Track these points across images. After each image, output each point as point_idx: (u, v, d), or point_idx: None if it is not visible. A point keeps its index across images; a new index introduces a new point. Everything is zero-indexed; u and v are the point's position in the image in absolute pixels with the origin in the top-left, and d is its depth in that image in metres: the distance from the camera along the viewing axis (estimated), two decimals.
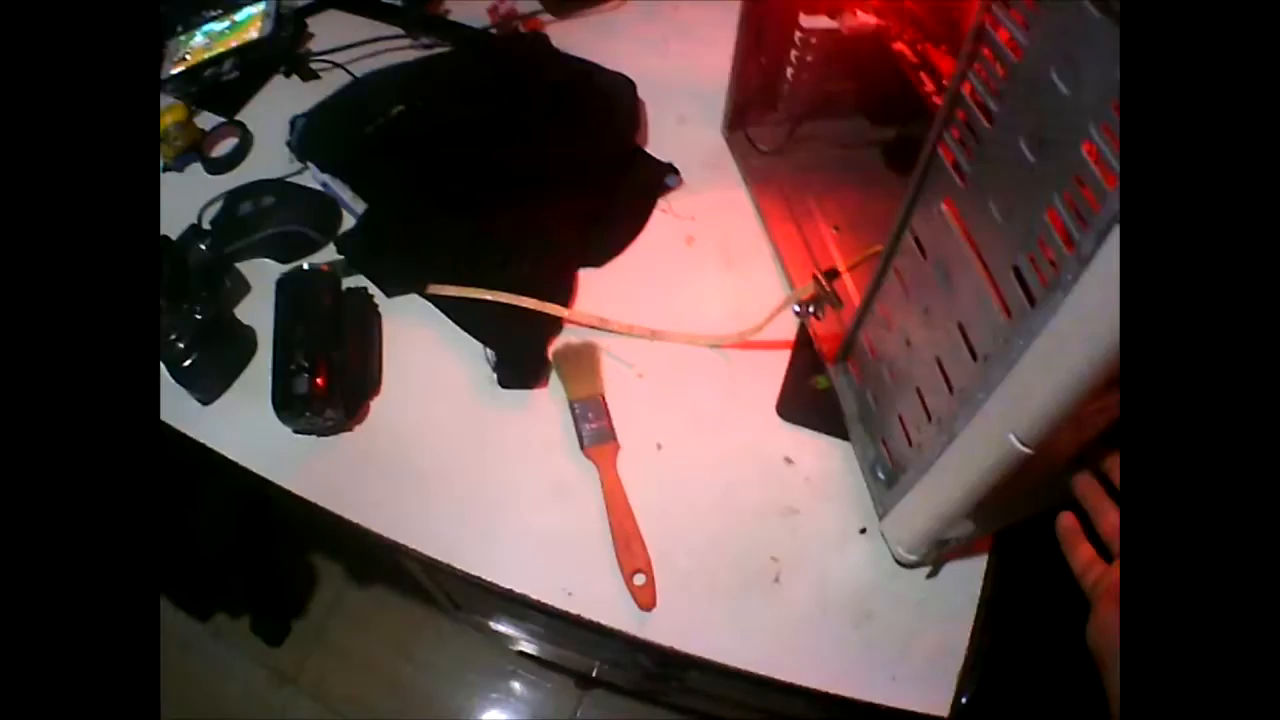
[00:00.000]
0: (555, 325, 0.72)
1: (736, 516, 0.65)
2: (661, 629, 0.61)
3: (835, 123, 0.85)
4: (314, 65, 0.87)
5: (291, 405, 0.64)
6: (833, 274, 0.63)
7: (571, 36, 0.91)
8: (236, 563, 1.41)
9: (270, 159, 0.81)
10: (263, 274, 0.75)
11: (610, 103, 0.82)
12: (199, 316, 0.65)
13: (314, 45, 0.91)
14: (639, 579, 0.62)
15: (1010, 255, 0.46)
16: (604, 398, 0.69)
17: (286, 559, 1.49)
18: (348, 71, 0.86)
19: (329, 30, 0.92)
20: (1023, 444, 0.46)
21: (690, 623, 0.61)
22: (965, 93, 0.49)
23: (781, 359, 0.72)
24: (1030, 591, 0.66)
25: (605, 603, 0.61)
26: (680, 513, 0.65)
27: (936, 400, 0.56)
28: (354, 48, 0.88)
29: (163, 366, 0.66)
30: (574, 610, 0.61)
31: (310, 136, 0.79)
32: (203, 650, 1.39)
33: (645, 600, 0.61)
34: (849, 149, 0.84)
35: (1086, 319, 0.40)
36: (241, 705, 1.37)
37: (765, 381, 0.71)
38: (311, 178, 0.80)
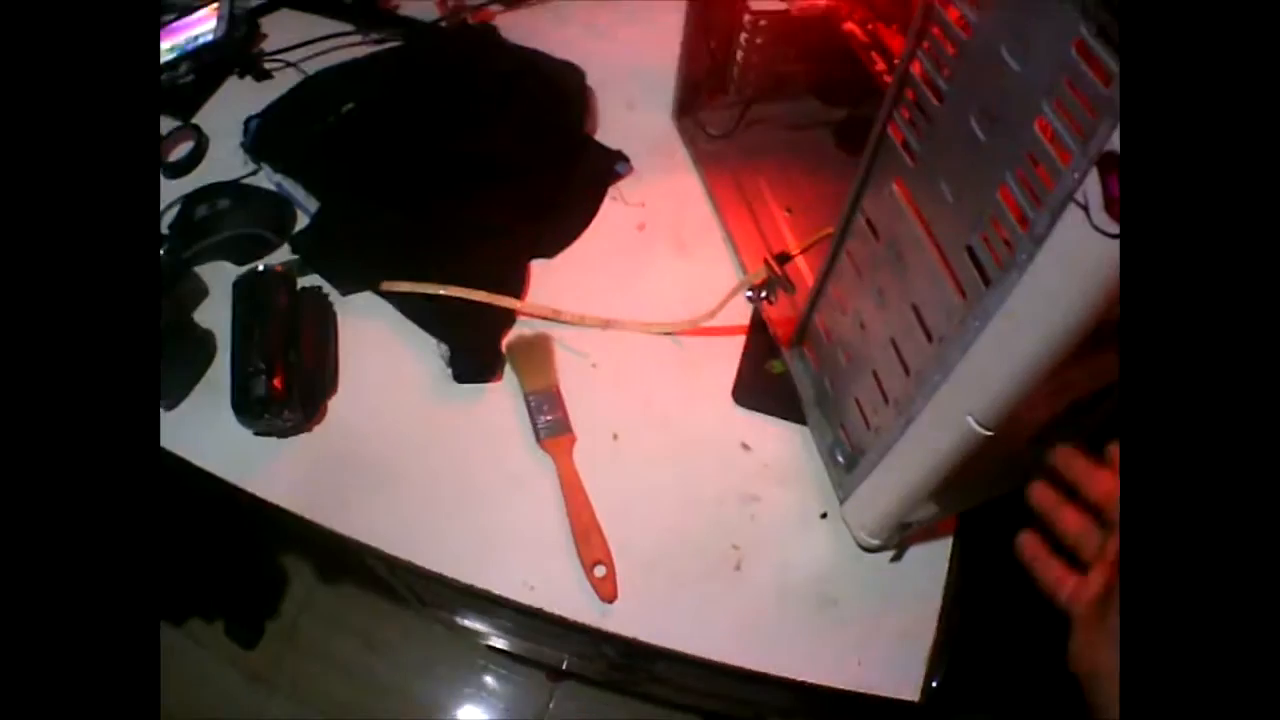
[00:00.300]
0: (508, 318, 0.71)
1: (696, 505, 0.64)
2: (624, 620, 0.60)
3: (785, 105, 0.83)
4: (268, 65, 0.85)
5: (249, 408, 0.63)
6: (784, 257, 0.62)
7: (521, 26, 0.89)
8: (208, 566, 1.40)
9: (226, 161, 0.79)
10: (220, 276, 0.73)
11: (559, 91, 0.80)
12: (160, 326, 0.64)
13: (267, 45, 0.89)
14: (599, 570, 0.61)
15: (963, 235, 0.45)
16: (558, 389, 0.68)
17: (257, 560, 1.48)
18: (301, 70, 0.84)
19: (282, 29, 0.90)
20: (981, 426, 0.45)
21: (652, 613, 0.60)
22: (915, 72, 0.47)
23: (736, 344, 0.71)
24: (996, 572, 0.65)
25: (567, 595, 0.60)
26: (639, 502, 0.64)
27: (893, 382, 0.55)
28: (306, 46, 0.85)
29: None
30: (535, 604, 0.60)
31: (263, 137, 0.77)
32: (180, 656, 1.37)
33: (606, 592, 0.60)
34: (799, 130, 0.82)
35: (1042, 297, 0.38)
36: (219, 709, 1.35)
37: (720, 368, 0.70)
38: (266, 178, 0.78)
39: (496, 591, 0.61)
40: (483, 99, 0.77)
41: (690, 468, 0.66)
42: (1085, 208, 0.34)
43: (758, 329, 0.72)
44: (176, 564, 1.29)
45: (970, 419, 0.45)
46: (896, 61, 0.52)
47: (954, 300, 0.46)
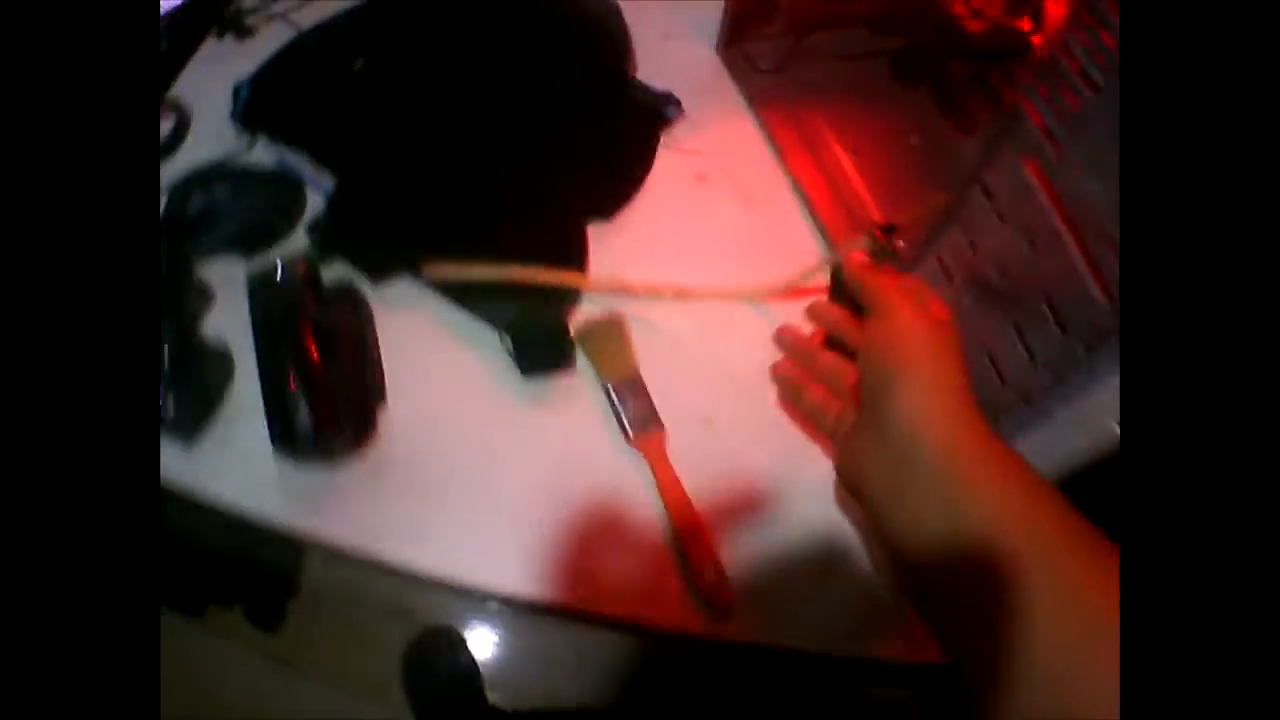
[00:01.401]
0: (573, 296, 0.56)
1: (805, 488, 0.51)
2: (742, 625, 0.47)
3: (833, 35, 0.67)
4: (250, 20, 0.66)
5: (295, 440, 0.47)
6: (891, 229, 0.49)
7: None
8: (224, 553, 1.23)
9: (214, 137, 0.61)
10: (226, 273, 0.56)
11: (595, 26, 0.63)
12: (164, 347, 0.49)
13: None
14: (710, 575, 0.48)
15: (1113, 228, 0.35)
16: (640, 376, 0.54)
17: (267, 537, 1.29)
18: (290, 23, 0.65)
19: None
20: None
21: (772, 613, 0.48)
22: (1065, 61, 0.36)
23: None
24: None
25: (677, 608, 0.48)
26: (743, 493, 0.51)
27: (1013, 365, 0.45)
28: None
29: None
30: (645, 621, 0.48)
31: (258, 105, 0.59)
32: (201, 650, 1.16)
33: (719, 597, 0.47)
34: (851, 62, 0.67)
35: None
36: (245, 697, 1.18)
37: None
38: (264, 153, 0.61)
39: (604, 612, 0.48)
40: (512, 42, 0.59)
41: (793, 447, 0.52)
42: None
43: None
44: (190, 551, 1.13)
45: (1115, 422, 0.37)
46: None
47: (1098, 299, 0.37)
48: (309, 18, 0.66)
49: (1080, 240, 0.38)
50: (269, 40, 0.65)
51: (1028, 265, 0.42)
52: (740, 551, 0.49)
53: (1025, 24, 0.53)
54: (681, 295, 0.56)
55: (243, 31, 0.65)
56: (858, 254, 0.45)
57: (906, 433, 0.35)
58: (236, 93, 0.60)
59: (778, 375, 0.48)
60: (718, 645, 0.48)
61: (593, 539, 0.50)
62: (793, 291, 0.55)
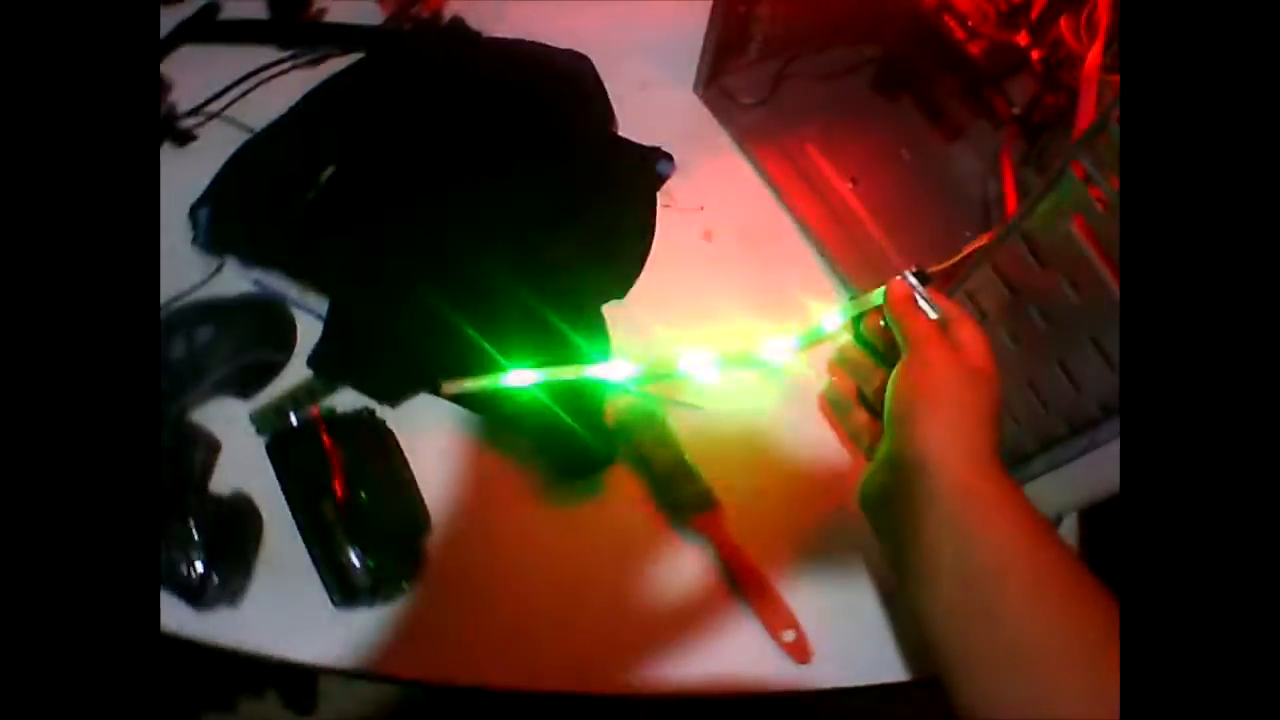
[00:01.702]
0: (604, 387, 0.52)
1: (858, 531, 0.50)
2: (826, 673, 0.48)
3: (808, 57, 0.65)
4: (186, 124, 0.59)
5: (354, 595, 0.45)
6: (924, 276, 0.48)
7: (474, 7, 0.65)
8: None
9: (177, 267, 0.55)
10: (223, 414, 0.52)
11: (575, 90, 0.59)
12: (195, 533, 0.45)
13: (179, 97, 0.61)
14: (788, 635, 0.48)
15: None
16: (685, 457, 0.52)
17: None
18: (233, 122, 0.58)
19: (192, 73, 0.62)
20: None
21: (852, 656, 0.49)
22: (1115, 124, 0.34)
23: None
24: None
25: (765, 672, 0.48)
26: (805, 551, 0.51)
27: (1060, 400, 0.45)
28: (232, 89, 0.60)
29: (180, 599, 0.45)
30: (737, 690, 0.48)
31: (221, 227, 0.53)
32: None
33: (801, 654, 0.48)
34: (831, 81, 0.65)
35: None
36: None
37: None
38: (236, 275, 0.56)
39: (699, 690, 0.48)
40: (493, 118, 0.55)
41: (843, 497, 0.51)
42: None
43: None
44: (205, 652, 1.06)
45: None
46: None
47: None
48: (252, 113, 0.59)
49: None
50: (214, 145, 0.58)
51: (1072, 308, 0.42)
52: (808, 604, 0.50)
53: (1023, 38, 0.52)
54: (711, 370, 0.54)
55: (182, 137, 0.58)
56: (899, 292, 0.44)
57: (920, 470, 0.36)
58: (194, 216, 0.54)
59: (830, 391, 0.48)
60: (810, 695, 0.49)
61: (672, 621, 0.49)
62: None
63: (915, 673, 0.49)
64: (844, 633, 0.50)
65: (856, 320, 0.47)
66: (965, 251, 0.49)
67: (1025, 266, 0.44)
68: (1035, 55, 0.52)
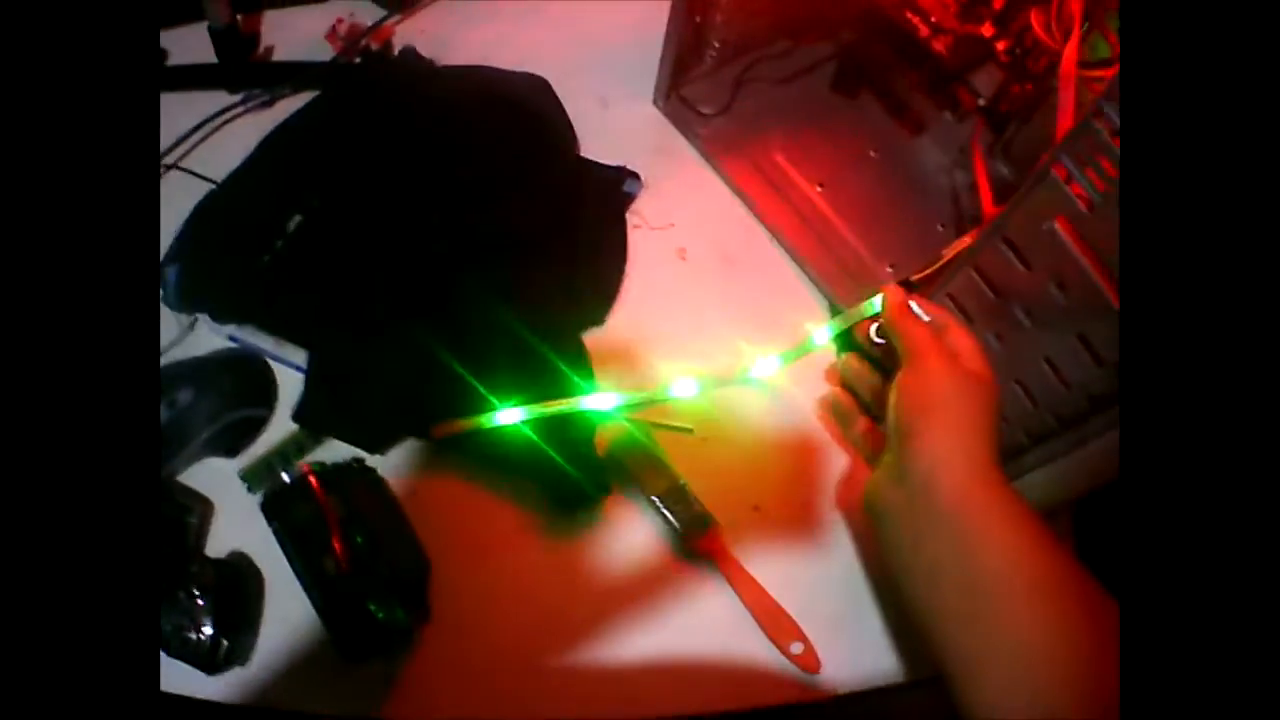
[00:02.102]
0: (594, 418, 0.53)
1: (855, 538, 0.53)
2: (835, 679, 0.49)
3: (763, 62, 0.65)
4: None
5: (364, 650, 0.45)
6: (909, 285, 0.48)
7: (424, 35, 0.64)
8: None
9: None
10: (213, 475, 0.51)
11: (535, 113, 0.58)
12: (199, 600, 0.44)
13: None
14: (796, 648, 0.49)
15: None
16: (680, 482, 0.52)
17: None
18: (190, 173, 0.57)
19: None
20: None
21: (858, 660, 0.50)
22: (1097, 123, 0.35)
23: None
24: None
25: (776, 685, 0.49)
26: (804, 564, 0.52)
27: (1049, 396, 0.45)
28: (186, 140, 0.58)
29: (193, 667, 0.45)
30: (750, 705, 0.48)
31: (190, 284, 0.52)
32: None
33: (810, 665, 0.49)
34: (787, 84, 0.65)
35: None
36: None
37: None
38: (209, 331, 0.54)
39: (715, 711, 0.48)
40: (457, 151, 0.54)
41: (840, 509, 0.53)
42: None
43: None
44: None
45: None
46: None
47: None
48: (210, 161, 0.58)
49: (1114, 280, 0.38)
50: (173, 198, 0.56)
51: (1057, 307, 0.42)
52: (814, 614, 0.50)
53: (987, 29, 0.51)
54: (697, 392, 0.54)
55: None
56: (895, 299, 0.45)
57: (924, 480, 0.37)
58: (161, 273, 0.53)
59: (835, 403, 0.50)
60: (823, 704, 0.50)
61: (680, 645, 0.50)
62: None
63: (922, 673, 0.50)
64: (850, 638, 0.50)
65: (844, 333, 0.48)
66: (946, 256, 0.49)
67: (1008, 268, 0.44)
68: (1001, 46, 0.51)
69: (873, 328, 0.47)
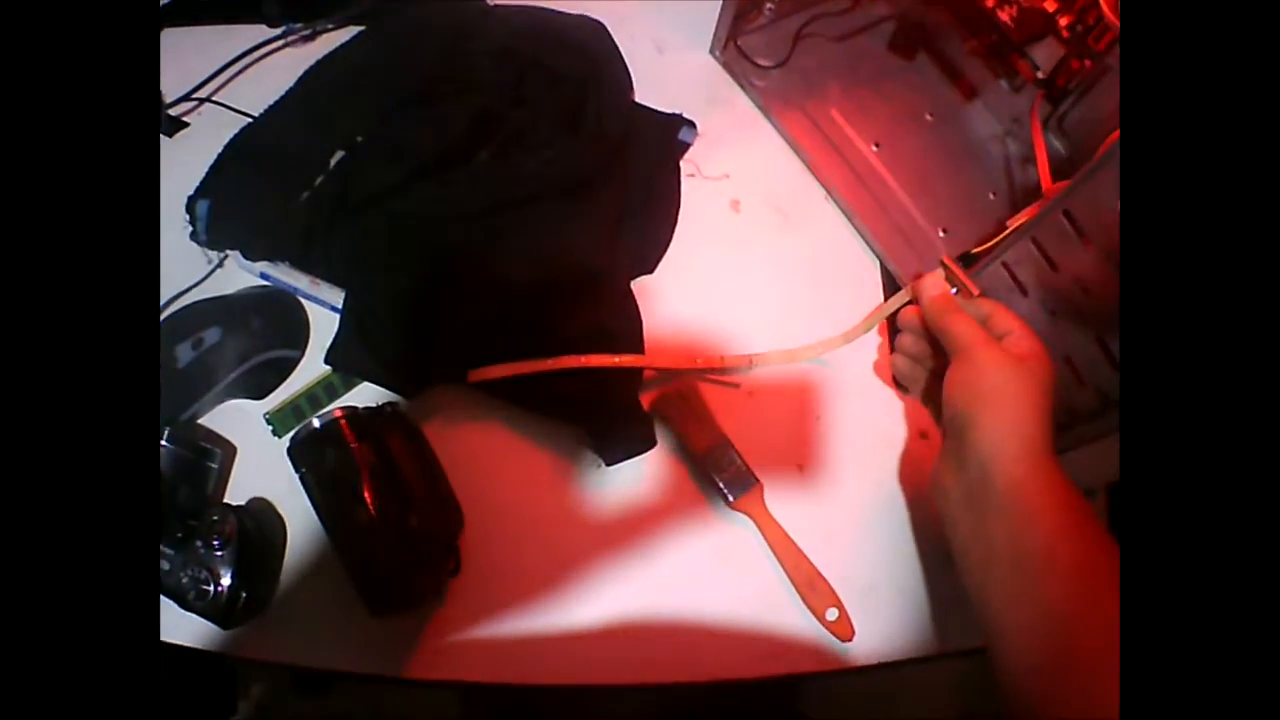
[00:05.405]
0: (640, 369, 0.48)
1: (896, 507, 0.48)
2: (867, 649, 0.45)
3: (819, 17, 0.59)
4: (176, 111, 0.53)
5: (392, 604, 0.41)
6: (969, 258, 0.43)
7: None
8: None
9: (176, 264, 0.50)
10: (237, 418, 0.47)
11: (592, 56, 0.53)
12: (219, 550, 0.40)
13: (166, 83, 0.55)
14: (831, 614, 0.45)
15: None
16: (725, 439, 0.48)
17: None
18: (226, 107, 0.53)
19: (177, 57, 0.55)
20: None
21: (891, 631, 0.46)
22: None
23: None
24: None
25: (809, 652, 0.45)
26: (844, 528, 0.48)
27: (1096, 375, 0.43)
28: (221, 73, 0.54)
29: (209, 621, 0.41)
30: (783, 672, 0.44)
31: (222, 219, 0.48)
32: None
33: (844, 633, 0.45)
34: (847, 41, 0.60)
35: None
36: None
37: (884, 355, 0.51)
38: (239, 268, 0.50)
39: (746, 677, 0.44)
40: (508, 90, 0.50)
41: (882, 473, 0.49)
42: None
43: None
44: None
45: None
46: None
47: None
48: (246, 96, 0.53)
49: None
50: (207, 132, 0.52)
51: (1112, 285, 0.40)
52: (850, 581, 0.47)
53: (1050, 3, 0.48)
54: (751, 363, 0.50)
55: (172, 126, 0.52)
56: (935, 298, 0.44)
57: (981, 468, 0.38)
58: (191, 209, 0.48)
59: (897, 364, 0.50)
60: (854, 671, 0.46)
61: (716, 606, 0.46)
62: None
63: (952, 645, 0.46)
64: (884, 609, 0.46)
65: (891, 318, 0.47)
66: (1007, 230, 0.45)
67: (1067, 242, 0.41)
68: (1064, 21, 0.48)
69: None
